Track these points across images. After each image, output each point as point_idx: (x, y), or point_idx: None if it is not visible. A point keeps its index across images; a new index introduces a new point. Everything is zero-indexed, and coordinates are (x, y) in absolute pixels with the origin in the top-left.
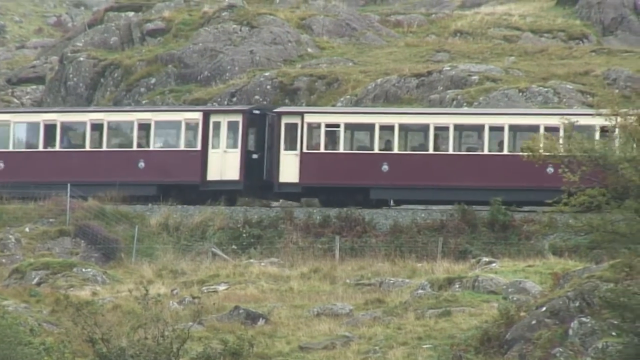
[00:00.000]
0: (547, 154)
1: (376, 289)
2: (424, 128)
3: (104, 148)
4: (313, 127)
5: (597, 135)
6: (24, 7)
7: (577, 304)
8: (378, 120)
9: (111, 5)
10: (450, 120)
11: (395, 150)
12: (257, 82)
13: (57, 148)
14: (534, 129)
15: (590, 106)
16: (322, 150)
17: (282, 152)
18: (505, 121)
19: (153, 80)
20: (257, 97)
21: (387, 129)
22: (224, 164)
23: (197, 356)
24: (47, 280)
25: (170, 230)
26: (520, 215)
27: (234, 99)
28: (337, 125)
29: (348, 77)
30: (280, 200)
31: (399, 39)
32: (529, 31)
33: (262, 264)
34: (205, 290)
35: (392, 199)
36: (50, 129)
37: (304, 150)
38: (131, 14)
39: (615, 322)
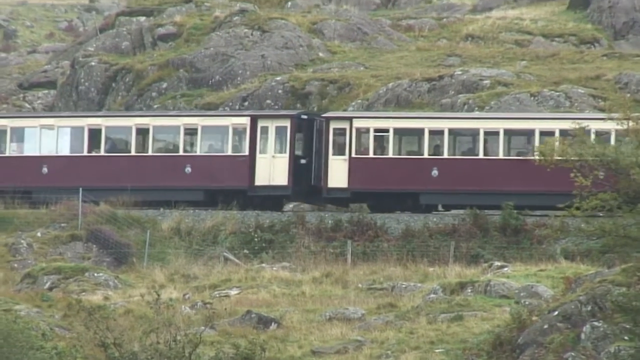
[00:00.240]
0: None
1: (388, 294)
2: (474, 132)
3: (150, 153)
4: (362, 132)
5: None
6: (35, 12)
7: (589, 308)
8: (427, 125)
9: (122, 10)
10: (500, 125)
11: (445, 155)
12: (268, 86)
13: (102, 153)
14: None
15: (602, 110)
16: (370, 155)
17: (331, 157)
18: (555, 126)
19: (164, 85)
20: (268, 101)
21: (436, 133)
22: (272, 169)
23: None
24: (59, 284)
25: (182, 234)
26: (532, 219)
27: (246, 104)
28: (386, 130)
29: (359, 82)
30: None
31: (411, 43)
32: (540, 35)
33: (274, 268)
34: (217, 295)
35: (442, 204)
36: (94, 133)
37: (353, 155)
38: (142, 18)
39: (628, 326)
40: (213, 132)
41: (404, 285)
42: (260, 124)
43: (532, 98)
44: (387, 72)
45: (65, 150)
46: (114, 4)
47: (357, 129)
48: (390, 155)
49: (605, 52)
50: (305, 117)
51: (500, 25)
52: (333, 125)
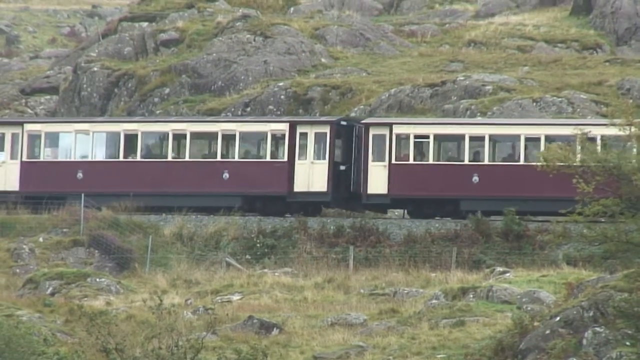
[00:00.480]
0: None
1: (390, 299)
2: (515, 139)
3: (187, 158)
4: (402, 138)
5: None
6: (37, 18)
7: (591, 313)
8: (468, 130)
9: (125, 16)
10: (541, 131)
11: (486, 161)
12: (271, 92)
13: (138, 158)
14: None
15: (605, 116)
16: (411, 161)
17: (370, 163)
18: (597, 132)
19: (167, 90)
20: (270, 107)
21: (477, 139)
22: (312, 175)
23: None
24: (61, 290)
25: (184, 240)
26: (534, 225)
27: (248, 109)
28: (426, 136)
29: (362, 87)
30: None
31: (413, 49)
32: (542, 41)
33: (276, 273)
34: (219, 300)
35: (483, 210)
36: (130, 138)
37: (393, 161)
38: (145, 24)
39: (630, 331)
40: (251, 138)
41: (406, 291)
42: (300, 130)
43: (535, 104)
44: (390, 77)
45: (100, 155)
46: (117, 10)
47: (397, 135)
48: (431, 161)
49: (607, 58)
50: (344, 123)
51: (502, 31)
52: (373, 132)
